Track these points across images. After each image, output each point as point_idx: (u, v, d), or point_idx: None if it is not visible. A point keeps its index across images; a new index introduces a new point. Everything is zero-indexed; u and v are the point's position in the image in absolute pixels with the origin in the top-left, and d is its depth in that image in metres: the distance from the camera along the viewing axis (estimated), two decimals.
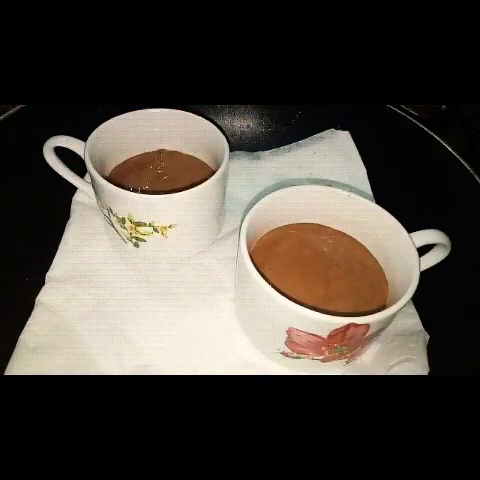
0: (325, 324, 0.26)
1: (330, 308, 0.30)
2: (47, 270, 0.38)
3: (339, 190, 0.34)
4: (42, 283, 0.37)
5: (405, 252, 0.31)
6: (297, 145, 0.50)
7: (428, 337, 0.34)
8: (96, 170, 0.34)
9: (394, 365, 0.32)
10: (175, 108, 0.40)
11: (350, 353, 0.30)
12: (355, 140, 0.49)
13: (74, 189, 0.43)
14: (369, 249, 0.35)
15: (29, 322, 0.34)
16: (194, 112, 0.40)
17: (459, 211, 0.39)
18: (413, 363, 0.32)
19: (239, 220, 0.42)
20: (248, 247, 0.30)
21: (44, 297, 0.36)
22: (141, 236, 0.36)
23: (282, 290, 0.28)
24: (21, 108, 0.42)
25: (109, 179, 0.35)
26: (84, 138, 0.37)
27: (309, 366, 0.32)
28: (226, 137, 0.38)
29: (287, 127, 0.52)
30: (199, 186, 0.34)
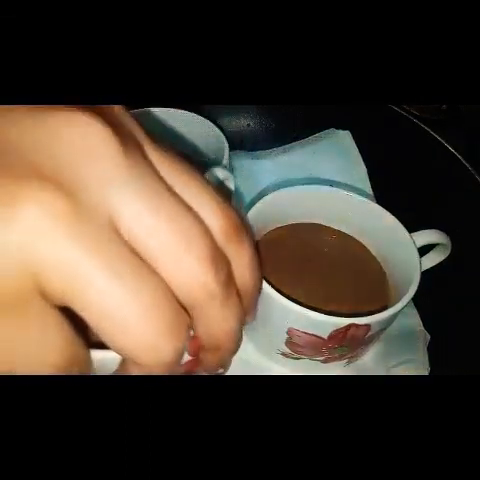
0: (325, 324, 0.26)
1: (330, 308, 0.30)
2: None
3: (339, 190, 0.34)
4: None
5: (406, 252, 0.31)
6: (297, 145, 0.50)
7: (428, 337, 0.34)
8: None
9: (394, 365, 0.32)
10: (175, 108, 0.40)
11: (351, 354, 0.30)
12: (355, 140, 0.49)
13: None
14: (369, 249, 0.35)
15: None
16: (194, 112, 0.40)
17: (459, 211, 0.39)
18: (413, 363, 0.32)
19: None
20: None
21: None
22: None
23: (282, 290, 0.28)
24: None
25: None
26: None
27: (309, 367, 0.32)
28: (226, 137, 0.38)
29: (287, 127, 0.52)
30: None
